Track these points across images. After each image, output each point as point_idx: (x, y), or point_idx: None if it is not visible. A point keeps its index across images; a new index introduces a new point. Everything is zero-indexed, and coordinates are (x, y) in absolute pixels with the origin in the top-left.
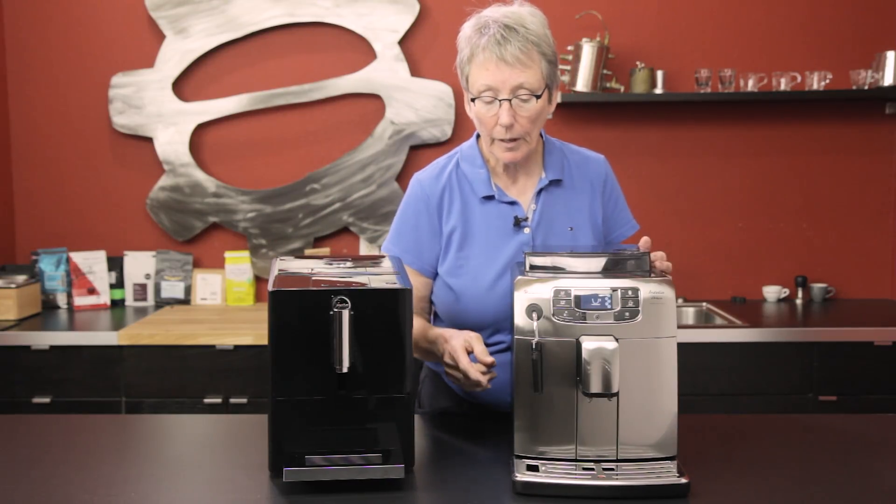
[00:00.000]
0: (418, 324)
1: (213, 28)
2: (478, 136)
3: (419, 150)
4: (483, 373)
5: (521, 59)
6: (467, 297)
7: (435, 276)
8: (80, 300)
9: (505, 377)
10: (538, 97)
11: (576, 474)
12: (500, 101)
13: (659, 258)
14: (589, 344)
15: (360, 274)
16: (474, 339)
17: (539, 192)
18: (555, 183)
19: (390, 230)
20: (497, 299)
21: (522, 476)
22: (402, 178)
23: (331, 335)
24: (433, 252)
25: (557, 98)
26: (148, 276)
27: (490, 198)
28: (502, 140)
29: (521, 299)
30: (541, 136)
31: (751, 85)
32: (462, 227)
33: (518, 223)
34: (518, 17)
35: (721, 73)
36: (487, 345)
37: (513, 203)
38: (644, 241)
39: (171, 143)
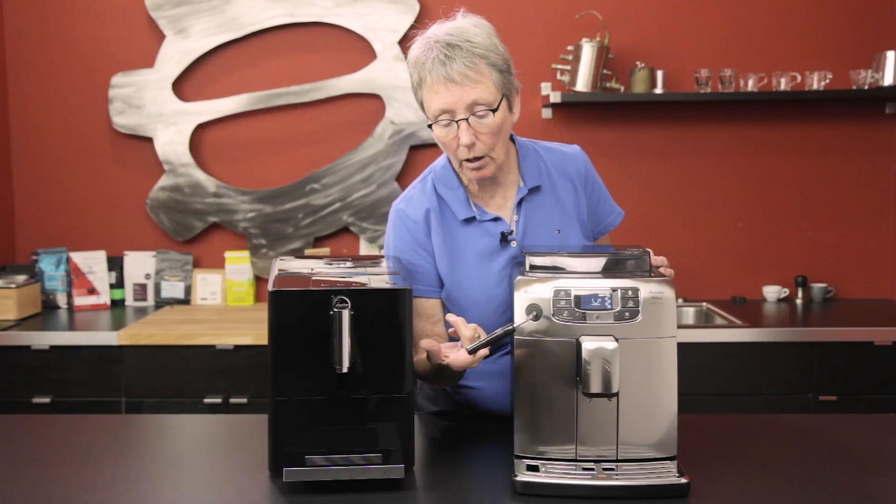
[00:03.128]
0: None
1: (213, 28)
2: None
3: (419, 150)
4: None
5: (468, 75)
6: (467, 320)
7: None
8: (80, 300)
9: (505, 384)
10: (495, 111)
11: (576, 474)
12: (457, 122)
13: (661, 265)
14: (589, 344)
15: (360, 274)
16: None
17: (520, 203)
18: (534, 190)
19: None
20: (497, 318)
21: (522, 476)
22: (402, 178)
23: (331, 335)
24: (435, 270)
25: (518, 106)
26: (148, 276)
27: (471, 219)
28: (468, 160)
29: (521, 299)
30: (513, 141)
31: (751, 85)
32: (449, 251)
33: (504, 239)
34: (461, 31)
35: (721, 73)
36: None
37: (496, 220)
38: (660, 260)
39: (171, 143)
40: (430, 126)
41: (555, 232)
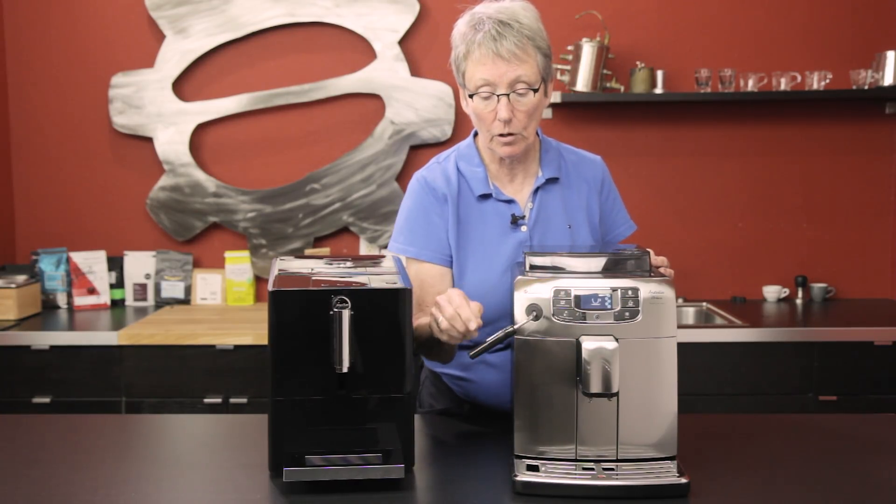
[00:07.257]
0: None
1: (213, 28)
2: (475, 135)
3: (419, 150)
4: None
5: (516, 53)
6: (468, 296)
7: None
8: (80, 300)
9: (504, 376)
10: (535, 90)
11: (576, 474)
12: (497, 96)
13: (661, 265)
14: (589, 344)
15: (360, 274)
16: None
17: (536, 191)
18: (552, 181)
19: (397, 231)
20: (498, 298)
21: (522, 476)
22: (402, 178)
23: (331, 335)
24: (447, 240)
25: (552, 92)
26: (148, 276)
27: (487, 196)
28: (500, 135)
29: (521, 299)
30: (537, 135)
31: (751, 85)
32: (459, 225)
33: (515, 221)
34: (511, 12)
35: (721, 73)
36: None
37: (510, 201)
38: (661, 260)
39: (171, 142)
40: (470, 97)
41: (566, 227)
